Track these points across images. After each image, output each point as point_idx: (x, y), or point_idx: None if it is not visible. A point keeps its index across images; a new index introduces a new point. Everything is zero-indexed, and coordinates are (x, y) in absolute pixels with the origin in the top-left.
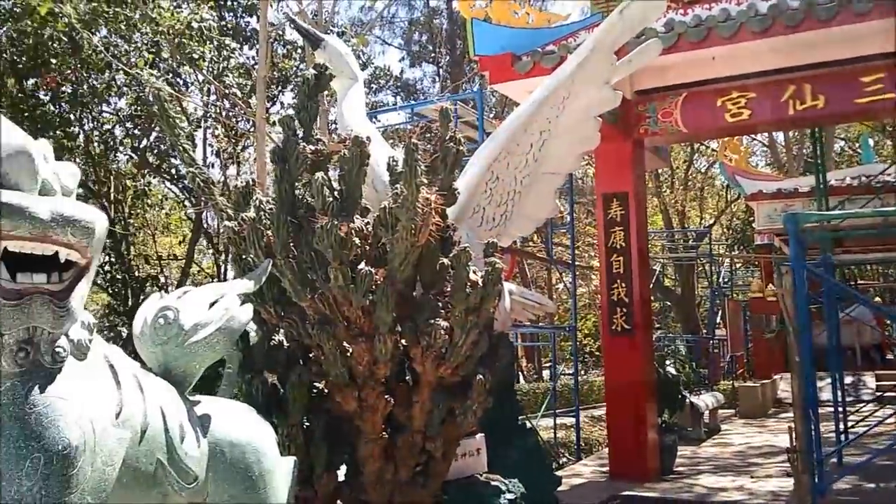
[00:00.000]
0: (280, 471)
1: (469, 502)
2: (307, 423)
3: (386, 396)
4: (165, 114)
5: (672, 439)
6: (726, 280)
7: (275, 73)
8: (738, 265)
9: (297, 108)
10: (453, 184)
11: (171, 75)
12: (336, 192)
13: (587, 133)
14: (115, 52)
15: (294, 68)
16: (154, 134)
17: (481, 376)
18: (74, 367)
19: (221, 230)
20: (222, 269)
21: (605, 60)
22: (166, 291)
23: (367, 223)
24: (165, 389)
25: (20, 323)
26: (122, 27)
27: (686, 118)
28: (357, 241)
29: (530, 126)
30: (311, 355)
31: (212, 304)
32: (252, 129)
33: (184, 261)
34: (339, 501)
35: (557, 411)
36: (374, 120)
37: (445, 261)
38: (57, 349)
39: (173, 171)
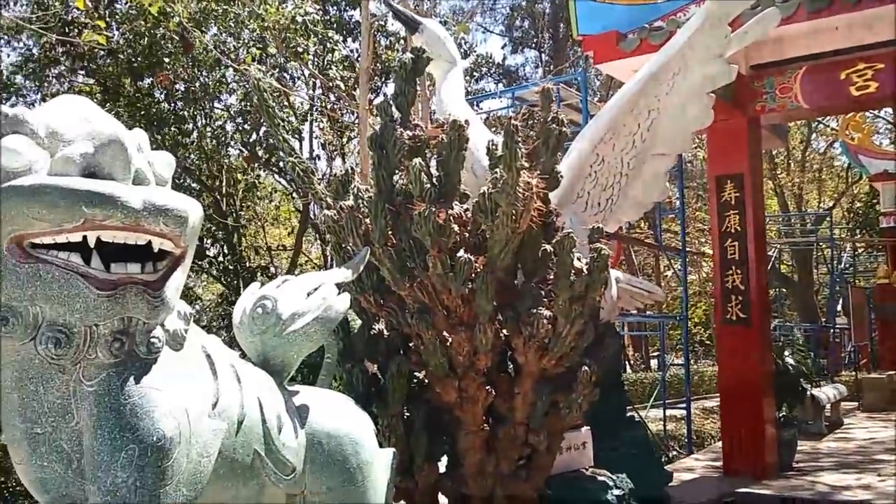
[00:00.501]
0: (379, 463)
1: (574, 498)
2: (407, 414)
3: (486, 387)
4: (265, 103)
5: (791, 433)
6: (848, 266)
7: (377, 64)
8: (860, 250)
9: (394, 93)
10: (556, 167)
11: (277, 70)
12: (434, 179)
13: (699, 111)
14: (224, 49)
15: (397, 59)
16: (263, 129)
17: (587, 368)
18: (170, 357)
19: (321, 219)
20: (329, 259)
21: (718, 33)
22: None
23: (466, 209)
24: (263, 380)
25: (115, 313)
26: (231, 24)
27: (807, 93)
28: (456, 227)
29: (637, 104)
30: (410, 345)
31: (309, 294)
32: (356, 121)
33: (292, 251)
34: (439, 493)
35: (667, 402)
36: (474, 107)
37: (548, 247)
38: (152, 339)
39: (281, 164)
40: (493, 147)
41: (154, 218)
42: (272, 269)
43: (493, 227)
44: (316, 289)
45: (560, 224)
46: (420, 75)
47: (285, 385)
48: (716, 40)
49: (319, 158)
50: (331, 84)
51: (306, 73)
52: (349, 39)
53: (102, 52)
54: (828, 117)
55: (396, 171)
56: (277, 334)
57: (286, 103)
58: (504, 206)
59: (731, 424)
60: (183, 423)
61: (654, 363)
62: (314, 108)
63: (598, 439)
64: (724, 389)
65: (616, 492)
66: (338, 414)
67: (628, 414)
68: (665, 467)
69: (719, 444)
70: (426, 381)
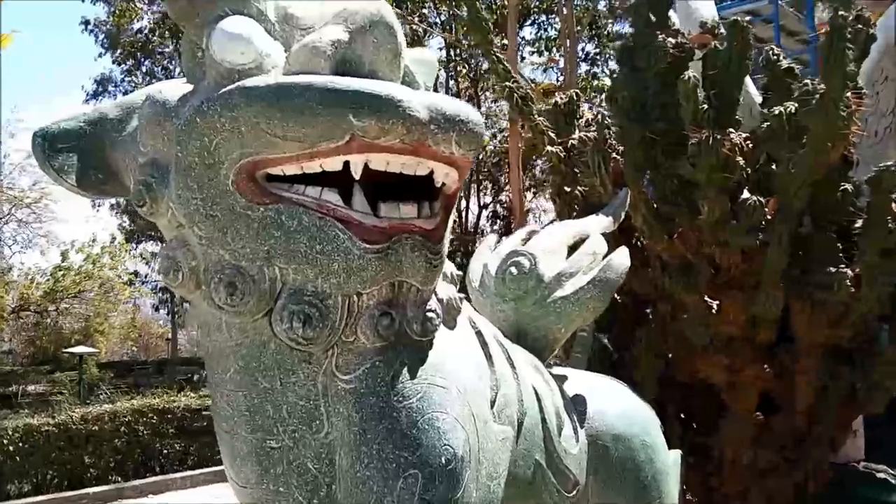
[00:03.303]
0: (673, 472)
1: (847, 498)
2: (656, 398)
3: (765, 366)
4: (477, 14)
5: None
6: None
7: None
8: None
9: None
10: (858, 82)
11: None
12: (707, 98)
13: None
14: None
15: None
16: None
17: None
18: (443, 339)
19: (546, 155)
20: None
21: None
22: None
23: (746, 138)
24: (530, 362)
25: (386, 276)
26: None
27: None
28: (741, 161)
29: None
30: (647, 312)
31: (571, 249)
32: (488, 70)
33: None
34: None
35: None
36: None
37: (848, 186)
38: (428, 314)
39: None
40: (774, 57)
41: (445, 134)
42: None
43: (795, 158)
44: (579, 242)
45: (856, 157)
46: None
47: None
48: None
49: None
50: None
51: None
52: None
53: None
54: None
55: (651, 91)
56: (539, 301)
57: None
58: (819, 128)
59: None
60: (472, 432)
61: None
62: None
63: (871, 426)
64: None
65: None
66: (623, 408)
67: None
68: None
69: None
70: (678, 358)
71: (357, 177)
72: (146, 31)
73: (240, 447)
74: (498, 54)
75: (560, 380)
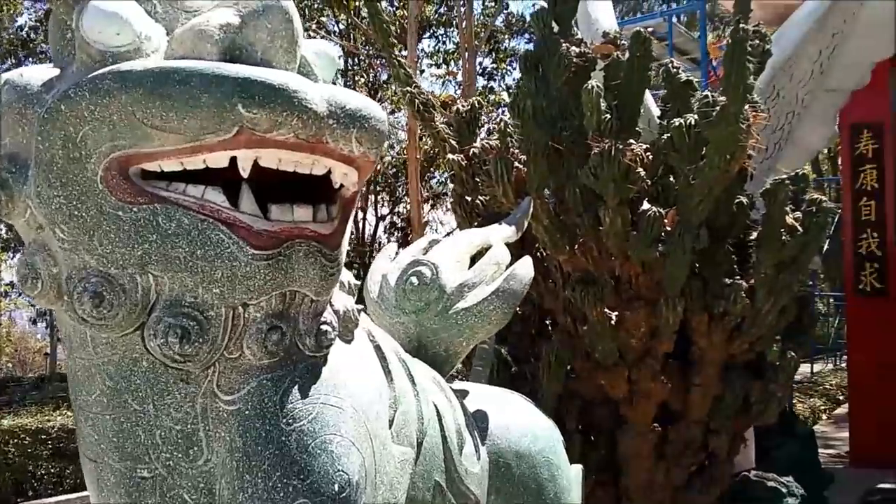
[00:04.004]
0: (575, 488)
1: None
2: (556, 412)
3: (662, 378)
4: (378, 17)
5: None
6: None
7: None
8: None
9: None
10: (755, 96)
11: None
12: (609, 108)
13: (885, 36)
14: None
15: (434, 13)
16: None
17: (791, 353)
18: (339, 350)
19: (447, 165)
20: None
21: None
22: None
23: (647, 149)
24: (431, 377)
25: (275, 286)
26: None
27: None
28: (642, 172)
29: (824, 26)
30: (548, 323)
31: (473, 259)
32: (390, 79)
33: None
34: None
35: None
36: None
37: (744, 199)
38: (323, 327)
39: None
40: (674, 70)
41: (345, 130)
42: None
43: (695, 170)
44: (482, 252)
45: (752, 170)
46: None
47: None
48: None
49: None
50: (371, 37)
51: (340, 26)
52: None
53: None
54: None
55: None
56: (441, 313)
57: None
58: (719, 141)
59: (864, 410)
60: (368, 455)
61: None
62: (351, 66)
63: (760, 435)
64: (855, 371)
65: (791, 500)
66: (526, 424)
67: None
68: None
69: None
70: (578, 371)
71: (245, 175)
72: (27, 28)
73: (107, 477)
74: (399, 59)
75: (461, 395)
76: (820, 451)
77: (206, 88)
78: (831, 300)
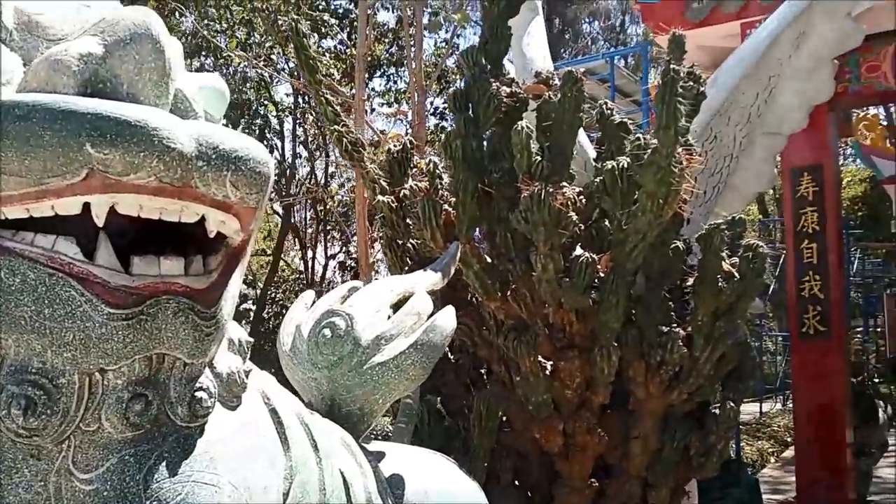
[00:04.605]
0: None
1: None
2: (490, 468)
3: (599, 431)
4: (305, 53)
5: (867, 464)
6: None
7: (368, 57)
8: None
9: (482, 37)
10: (689, 138)
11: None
12: (540, 150)
13: (821, 79)
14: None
15: (385, 52)
16: (244, 121)
17: (731, 403)
18: (220, 418)
19: (377, 206)
20: (309, 265)
21: None
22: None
23: (580, 193)
24: (340, 440)
25: (138, 349)
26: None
27: None
28: (573, 216)
29: (759, 69)
30: (482, 373)
31: (395, 308)
32: (322, 115)
33: (271, 256)
34: None
35: None
36: None
37: (679, 244)
38: (198, 395)
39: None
40: (608, 112)
41: (216, 172)
42: (250, 277)
43: (628, 215)
44: (402, 301)
45: (688, 214)
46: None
47: (362, 443)
48: None
49: (300, 156)
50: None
51: (291, 65)
52: (340, 29)
53: None
54: None
55: (487, 140)
56: (355, 368)
57: (268, 96)
58: (652, 184)
59: (809, 454)
60: None
61: None
62: (300, 104)
63: (703, 488)
64: (800, 414)
65: None
66: (445, 489)
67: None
68: None
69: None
70: (513, 423)
71: (100, 223)
72: None
73: None
74: (328, 97)
75: (377, 457)
76: (767, 496)
77: (50, 126)
78: (779, 339)
